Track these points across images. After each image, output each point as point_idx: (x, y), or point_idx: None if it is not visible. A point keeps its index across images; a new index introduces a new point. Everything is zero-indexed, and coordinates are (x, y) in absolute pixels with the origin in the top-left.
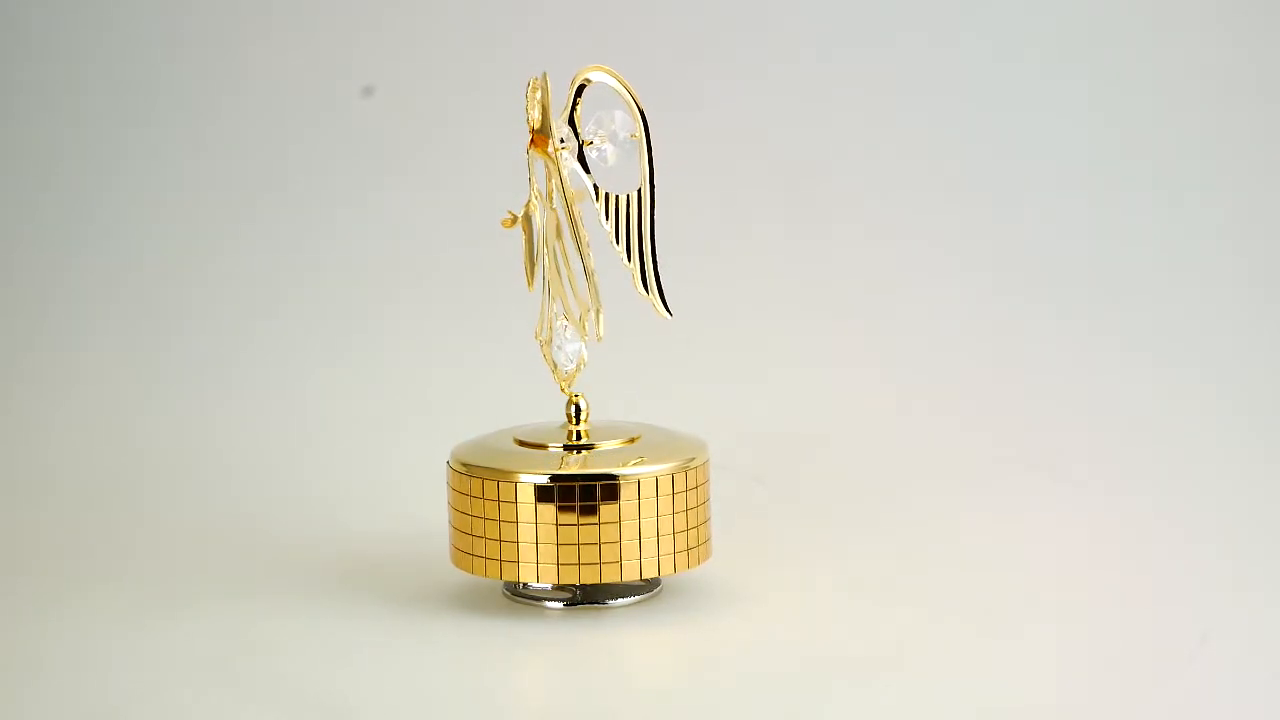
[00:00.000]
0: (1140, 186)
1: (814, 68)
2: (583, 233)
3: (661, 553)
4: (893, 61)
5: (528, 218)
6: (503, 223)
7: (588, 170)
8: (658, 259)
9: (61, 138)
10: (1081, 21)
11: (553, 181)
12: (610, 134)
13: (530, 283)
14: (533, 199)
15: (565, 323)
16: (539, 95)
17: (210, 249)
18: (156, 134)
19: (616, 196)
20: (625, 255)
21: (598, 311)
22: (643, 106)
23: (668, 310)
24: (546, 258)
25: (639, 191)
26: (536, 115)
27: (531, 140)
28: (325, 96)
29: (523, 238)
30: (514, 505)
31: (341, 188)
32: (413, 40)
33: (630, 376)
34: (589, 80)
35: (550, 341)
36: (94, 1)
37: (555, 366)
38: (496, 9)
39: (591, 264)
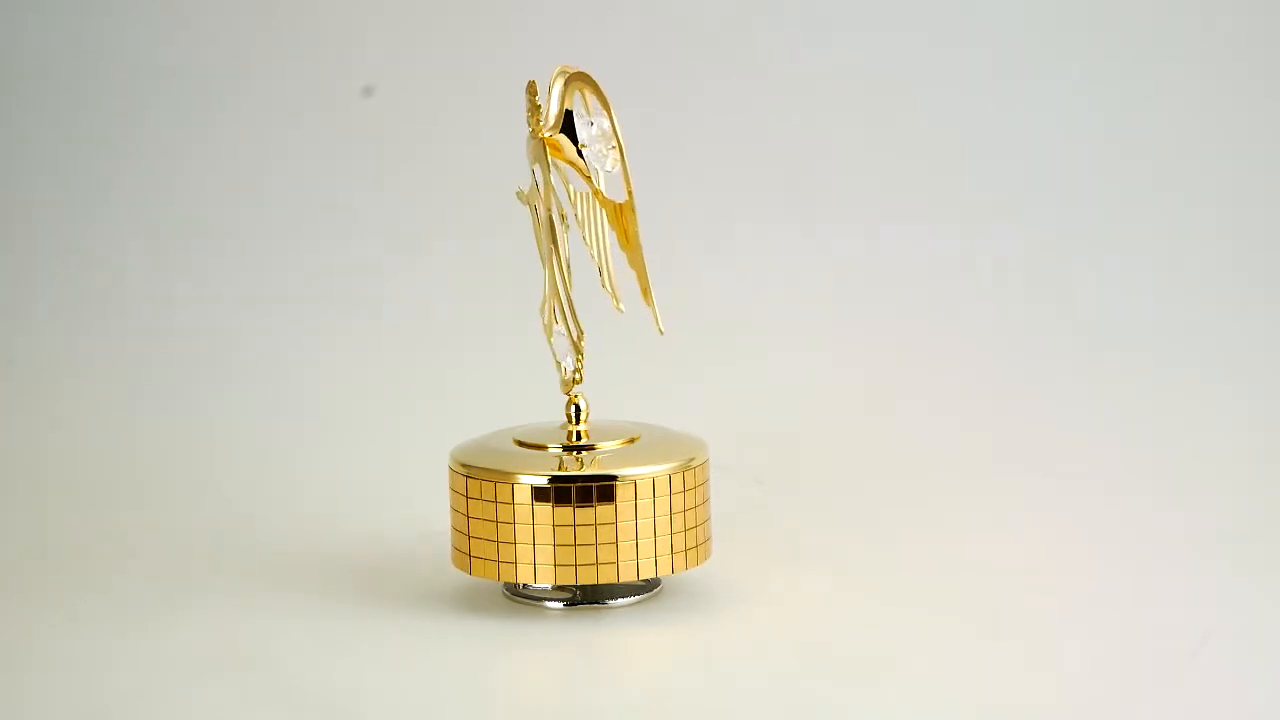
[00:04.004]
0: (1141, 184)
1: (803, 64)
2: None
3: (661, 553)
4: (885, 57)
5: (562, 218)
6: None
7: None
8: (608, 266)
9: (60, 136)
10: (1084, 19)
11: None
12: (593, 141)
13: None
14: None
15: (562, 328)
16: (549, 96)
17: (210, 248)
18: (156, 132)
19: (618, 206)
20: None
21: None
22: (617, 123)
23: (660, 327)
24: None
25: (624, 206)
26: (552, 119)
27: (545, 145)
28: (325, 96)
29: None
30: (514, 506)
31: (341, 186)
32: (413, 40)
33: (630, 376)
34: (569, 86)
35: (552, 328)
36: (94, 1)
37: (555, 354)
38: (497, 9)
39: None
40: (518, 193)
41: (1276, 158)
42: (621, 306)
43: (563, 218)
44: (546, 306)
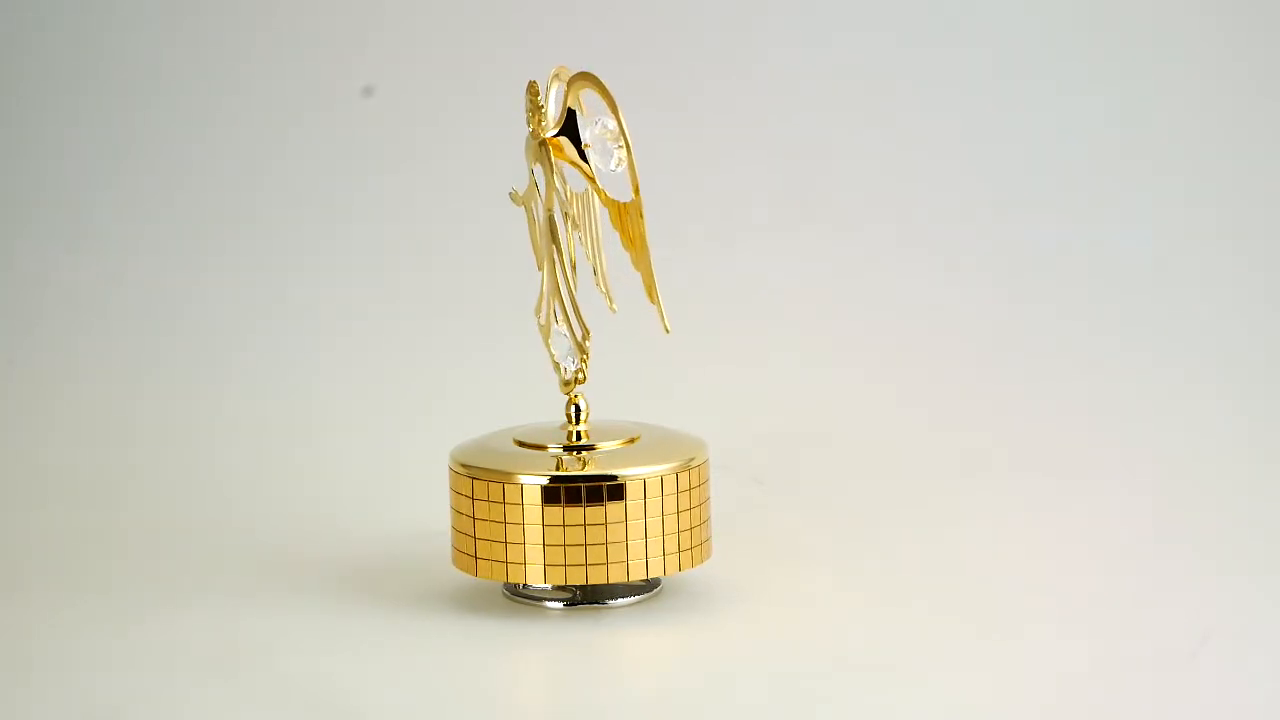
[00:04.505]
0: (1140, 184)
1: (814, 62)
2: (569, 252)
3: (662, 553)
4: (891, 57)
5: (566, 217)
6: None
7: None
8: (602, 267)
9: (61, 135)
10: (1084, 18)
11: (555, 184)
12: (598, 141)
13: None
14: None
15: (564, 329)
16: (548, 96)
17: (209, 249)
18: (156, 133)
19: (622, 206)
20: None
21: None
22: (625, 122)
23: (666, 326)
24: (557, 256)
25: (630, 205)
26: (554, 120)
27: (548, 145)
28: (325, 96)
29: (566, 230)
30: (514, 506)
31: (341, 186)
32: (413, 40)
33: (630, 376)
34: (573, 86)
35: (549, 329)
36: (95, 1)
37: (554, 356)
38: (496, 9)
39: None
40: (511, 194)
41: (1277, 157)
42: (614, 307)
43: (566, 217)
44: (544, 307)
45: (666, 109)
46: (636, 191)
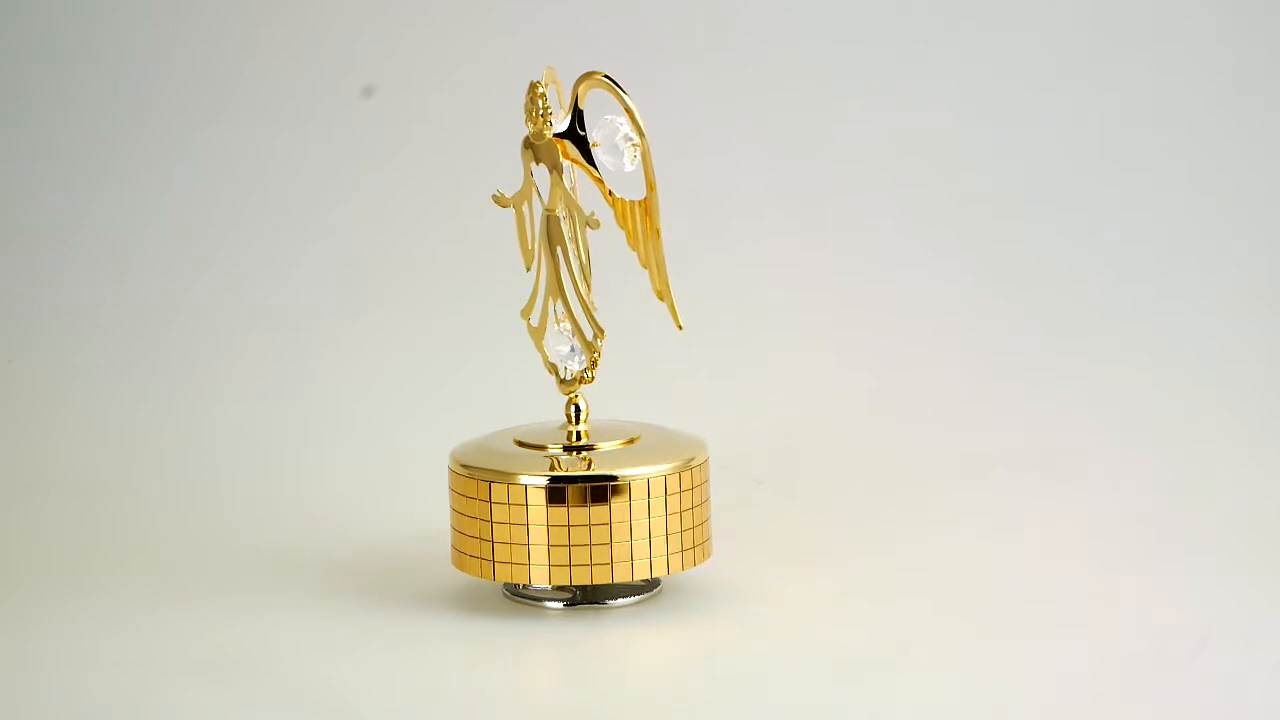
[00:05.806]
0: (1140, 184)
1: (804, 63)
2: (580, 256)
3: (661, 553)
4: (887, 56)
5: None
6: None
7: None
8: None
9: (60, 135)
10: (1083, 20)
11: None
12: (608, 140)
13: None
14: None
15: (565, 326)
16: (548, 96)
17: (209, 248)
18: (155, 132)
19: (627, 204)
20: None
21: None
22: (639, 117)
23: (679, 323)
24: (562, 257)
25: (643, 201)
26: (557, 119)
27: (556, 145)
28: (325, 96)
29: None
30: (514, 506)
31: (340, 186)
32: (412, 40)
33: (630, 376)
34: (580, 85)
35: (542, 331)
36: (94, 1)
37: (547, 357)
38: (497, 8)
39: (585, 292)
40: (495, 196)
41: (1277, 157)
42: (595, 305)
43: (582, 219)
44: (535, 309)
45: (665, 108)
46: (652, 187)
